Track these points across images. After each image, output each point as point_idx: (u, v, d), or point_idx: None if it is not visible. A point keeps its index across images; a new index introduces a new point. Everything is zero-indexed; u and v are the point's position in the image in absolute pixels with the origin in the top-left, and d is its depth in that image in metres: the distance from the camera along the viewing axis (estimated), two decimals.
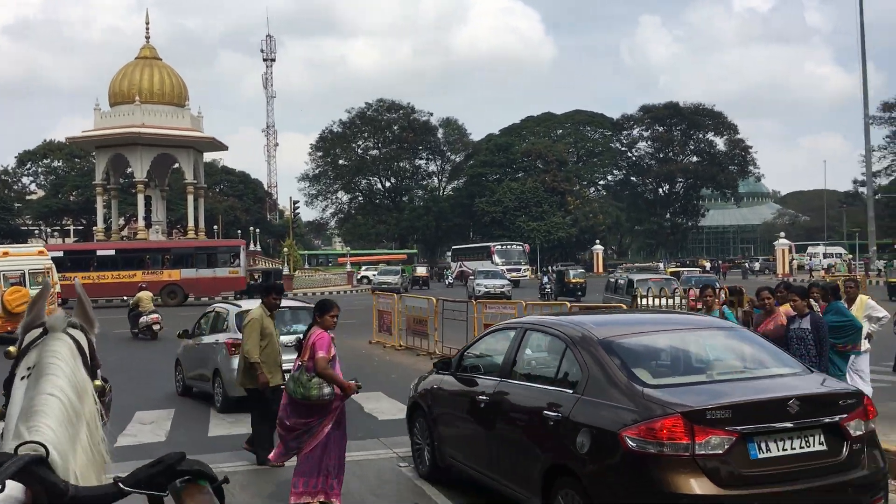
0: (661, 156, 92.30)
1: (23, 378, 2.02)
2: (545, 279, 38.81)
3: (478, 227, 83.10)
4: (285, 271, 49.89)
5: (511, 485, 5.83)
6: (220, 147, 55.69)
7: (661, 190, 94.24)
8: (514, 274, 50.90)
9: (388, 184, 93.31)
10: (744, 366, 5.52)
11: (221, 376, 10.99)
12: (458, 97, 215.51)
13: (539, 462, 5.32)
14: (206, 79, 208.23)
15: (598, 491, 4.75)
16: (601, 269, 57.42)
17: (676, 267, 60.20)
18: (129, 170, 54.28)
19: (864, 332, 9.26)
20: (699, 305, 9.13)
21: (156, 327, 21.61)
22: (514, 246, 61.79)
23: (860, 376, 9.17)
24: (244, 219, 78.23)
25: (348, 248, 76.47)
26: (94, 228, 57.16)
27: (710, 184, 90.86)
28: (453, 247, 72.91)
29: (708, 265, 65.50)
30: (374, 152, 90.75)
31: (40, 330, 2.15)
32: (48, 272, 21.90)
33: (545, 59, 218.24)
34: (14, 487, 1.59)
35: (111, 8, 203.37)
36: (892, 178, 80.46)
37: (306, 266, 63.49)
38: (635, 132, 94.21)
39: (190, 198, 52.04)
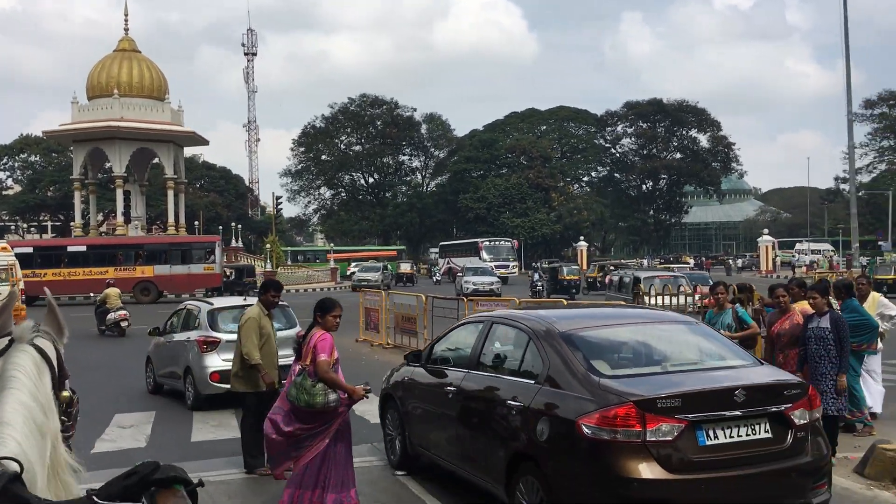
0: (645, 152, 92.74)
1: None
2: (535, 276, 38.03)
3: (462, 224, 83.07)
4: (267, 268, 49.57)
5: (478, 474, 6.01)
6: (201, 142, 54.96)
7: (644, 186, 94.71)
8: (502, 270, 50.22)
9: (371, 180, 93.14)
10: (698, 358, 5.73)
11: (193, 374, 10.99)
12: (442, 93, 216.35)
13: (503, 451, 5.51)
14: (187, 73, 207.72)
15: (556, 477, 4.96)
16: (585, 266, 57.59)
17: (661, 264, 60.25)
18: (108, 164, 53.59)
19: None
20: (710, 303, 9.00)
21: (123, 324, 21.21)
22: (502, 242, 61.37)
23: (871, 376, 9.03)
24: (226, 215, 77.62)
25: (331, 245, 76.00)
26: (72, 224, 56.27)
27: (694, 180, 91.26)
28: (440, 243, 72.47)
29: (692, 262, 65.21)
30: (357, 148, 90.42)
31: (6, 340, 2.14)
32: (11, 269, 21.71)
33: (528, 55, 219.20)
34: None
35: (89, 1, 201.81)
36: (874, 174, 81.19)
37: (289, 262, 63.30)
38: (619, 129, 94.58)
39: (170, 193, 51.35)
